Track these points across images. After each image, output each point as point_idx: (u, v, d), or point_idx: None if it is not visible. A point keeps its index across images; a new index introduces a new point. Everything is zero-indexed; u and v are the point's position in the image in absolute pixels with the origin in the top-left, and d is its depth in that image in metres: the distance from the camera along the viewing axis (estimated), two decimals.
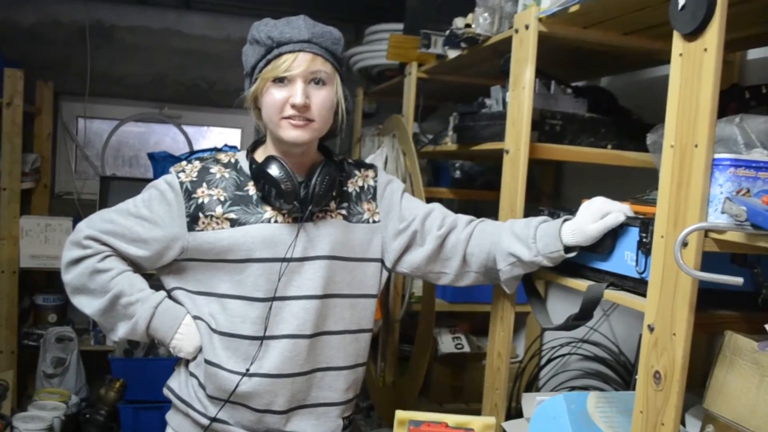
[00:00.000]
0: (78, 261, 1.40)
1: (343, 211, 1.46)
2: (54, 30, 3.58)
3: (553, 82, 1.76)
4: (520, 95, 1.55)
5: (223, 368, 1.39)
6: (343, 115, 1.43)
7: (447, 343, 2.66)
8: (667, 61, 1.07)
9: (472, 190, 2.68)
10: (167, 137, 3.92)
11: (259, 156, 1.44)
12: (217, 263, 1.39)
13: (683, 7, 1.01)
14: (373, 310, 1.52)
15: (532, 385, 2.42)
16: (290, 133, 1.34)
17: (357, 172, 1.53)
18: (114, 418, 3.01)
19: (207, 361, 1.41)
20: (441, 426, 1.27)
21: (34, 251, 3.22)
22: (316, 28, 1.34)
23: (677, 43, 1.04)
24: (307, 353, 1.40)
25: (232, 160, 1.45)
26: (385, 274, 1.53)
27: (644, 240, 1.17)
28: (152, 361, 3.01)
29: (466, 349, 2.66)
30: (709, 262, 1.00)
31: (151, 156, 3.32)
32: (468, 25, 1.86)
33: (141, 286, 1.42)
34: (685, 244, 0.99)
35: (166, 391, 1.53)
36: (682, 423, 1.25)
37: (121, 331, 1.42)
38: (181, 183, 1.40)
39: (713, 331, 1.21)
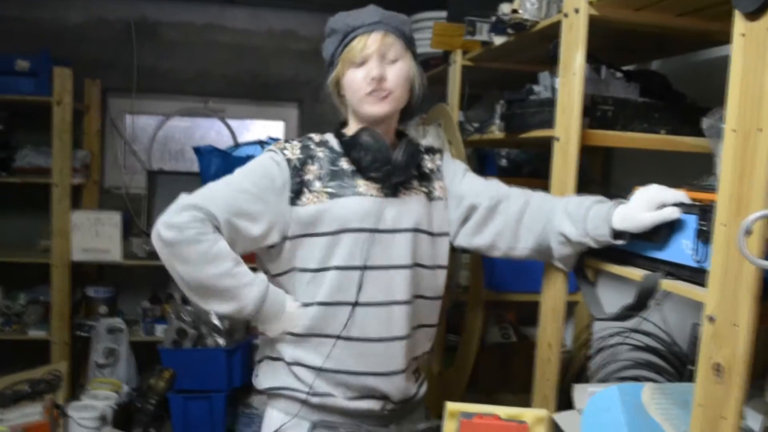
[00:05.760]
0: (185, 227, 1.35)
1: (425, 189, 1.57)
2: (100, 28, 3.64)
3: (604, 67, 1.72)
4: (570, 81, 1.52)
5: (322, 335, 1.47)
6: (416, 92, 1.53)
7: (494, 332, 2.63)
8: (723, 42, 1.04)
9: (520, 178, 2.64)
10: (212, 131, 3.97)
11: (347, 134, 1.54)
12: (313, 238, 1.45)
13: None
14: (445, 279, 1.62)
15: (581, 376, 2.38)
16: (372, 108, 1.47)
17: (427, 156, 1.64)
18: (164, 407, 3.07)
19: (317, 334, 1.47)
20: (493, 418, 1.25)
21: (86, 245, 3.30)
22: (384, 12, 1.48)
23: (738, 23, 0.99)
24: (407, 316, 1.49)
25: (323, 139, 1.56)
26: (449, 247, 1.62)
27: (703, 228, 1.13)
28: (200, 351, 3.05)
29: (513, 338, 2.63)
30: None
31: (197, 150, 3.36)
32: (515, 11, 1.83)
33: (246, 271, 1.43)
34: (748, 233, 0.95)
35: (261, 388, 1.59)
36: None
37: (226, 309, 1.44)
38: (288, 160, 1.47)
39: None
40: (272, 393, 1.56)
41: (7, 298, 3.44)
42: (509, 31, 1.90)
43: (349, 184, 1.48)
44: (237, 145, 3.52)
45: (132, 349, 3.40)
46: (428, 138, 2.41)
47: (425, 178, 1.59)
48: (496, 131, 2.11)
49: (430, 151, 1.66)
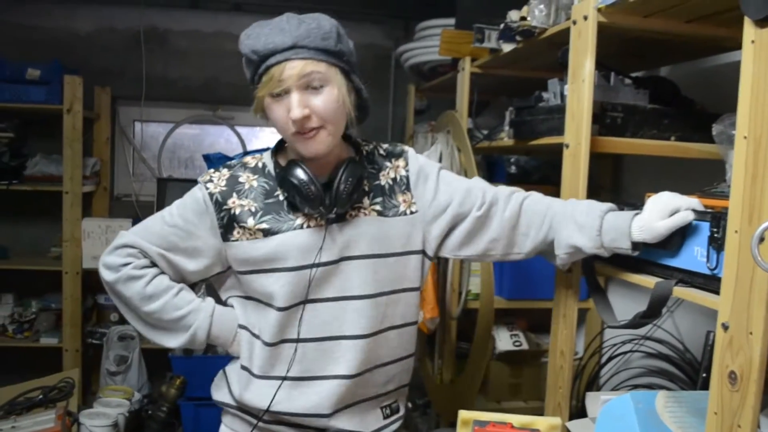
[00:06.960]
0: (120, 267, 1.37)
1: (378, 207, 1.39)
2: (110, 37, 3.67)
3: (613, 74, 1.72)
4: (579, 88, 1.51)
5: (266, 377, 1.38)
6: (352, 114, 1.32)
7: (505, 340, 2.63)
8: (733, 48, 1.03)
9: (529, 184, 2.64)
10: (221, 138, 3.98)
11: (284, 158, 1.39)
12: (255, 274, 1.36)
13: None
14: (417, 303, 1.46)
15: (593, 384, 2.38)
16: (305, 149, 1.29)
17: (388, 164, 1.44)
18: (175, 415, 3.08)
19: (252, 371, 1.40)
20: (506, 426, 1.25)
21: (96, 252, 3.29)
22: (300, 29, 1.24)
23: (749, 30, 0.99)
24: (359, 353, 1.36)
25: (260, 164, 1.40)
26: (428, 263, 1.47)
27: (716, 235, 1.12)
28: (211, 358, 3.06)
29: (525, 346, 2.63)
30: None
31: (206, 157, 3.36)
32: (523, 18, 1.83)
33: (189, 297, 1.41)
34: (761, 240, 0.95)
35: (217, 400, 1.51)
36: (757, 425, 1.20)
37: (178, 342, 1.41)
38: (211, 194, 1.35)
39: None
40: (224, 408, 1.48)
41: (19, 306, 3.46)
42: (518, 38, 1.90)
43: (286, 218, 1.34)
44: (246, 153, 3.52)
45: (143, 356, 3.42)
46: (437, 145, 2.41)
47: (382, 192, 1.40)
48: (505, 138, 2.11)
49: (393, 156, 1.45)
